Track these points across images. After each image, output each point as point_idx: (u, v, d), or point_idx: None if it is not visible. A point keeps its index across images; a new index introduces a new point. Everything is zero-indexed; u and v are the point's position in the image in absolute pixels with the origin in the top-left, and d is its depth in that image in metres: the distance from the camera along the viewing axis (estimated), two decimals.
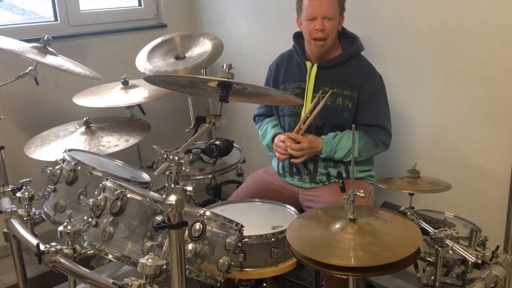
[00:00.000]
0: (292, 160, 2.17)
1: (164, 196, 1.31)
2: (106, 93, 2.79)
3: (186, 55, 2.94)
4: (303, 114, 2.20)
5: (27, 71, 2.49)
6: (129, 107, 2.83)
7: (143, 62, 2.91)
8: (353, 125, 1.56)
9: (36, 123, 2.84)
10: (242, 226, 1.61)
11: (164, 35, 3.09)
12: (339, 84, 2.18)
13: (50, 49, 2.56)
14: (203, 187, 3.19)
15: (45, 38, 2.54)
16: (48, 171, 1.92)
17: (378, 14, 2.52)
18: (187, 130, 2.41)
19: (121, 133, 2.59)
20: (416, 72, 2.43)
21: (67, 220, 1.67)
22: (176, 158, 1.31)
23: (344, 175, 2.19)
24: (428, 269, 1.77)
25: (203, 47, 2.94)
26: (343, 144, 2.14)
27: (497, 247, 1.77)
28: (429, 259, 1.81)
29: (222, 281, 1.56)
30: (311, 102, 2.19)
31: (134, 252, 1.58)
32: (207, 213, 1.57)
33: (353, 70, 2.20)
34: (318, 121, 2.19)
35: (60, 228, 1.67)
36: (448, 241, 1.66)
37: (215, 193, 3.04)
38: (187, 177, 2.51)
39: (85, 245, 1.65)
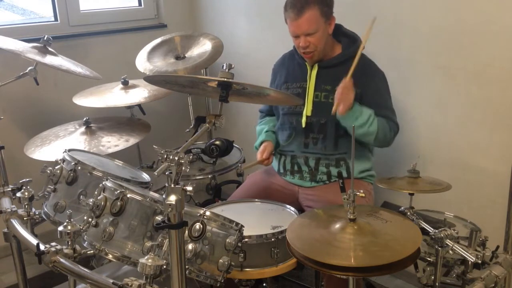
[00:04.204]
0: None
1: (164, 196, 1.31)
2: (106, 93, 2.79)
3: (186, 55, 2.94)
4: (304, 113, 2.21)
5: (27, 71, 2.49)
6: (129, 107, 2.83)
7: (143, 62, 2.91)
8: (353, 125, 1.56)
9: (36, 123, 2.85)
10: (242, 226, 1.61)
11: (164, 35, 3.09)
12: (340, 82, 2.18)
13: (50, 49, 2.56)
14: (203, 187, 3.19)
15: (45, 38, 2.54)
16: (48, 171, 1.92)
17: (378, 14, 2.51)
18: (187, 130, 2.41)
19: (121, 133, 2.59)
20: (416, 72, 2.43)
21: (67, 220, 1.67)
22: (176, 158, 1.32)
23: (345, 175, 2.19)
24: (428, 269, 1.77)
25: (203, 47, 2.94)
26: (366, 110, 2.12)
27: (497, 247, 1.77)
28: (429, 259, 1.81)
29: (222, 281, 1.56)
30: (312, 102, 2.20)
31: (134, 252, 1.58)
32: (207, 213, 1.57)
33: (355, 68, 2.20)
34: (321, 118, 2.19)
35: (60, 228, 1.67)
36: (448, 241, 1.66)
37: (215, 193, 3.04)
38: (187, 177, 2.50)
39: (85, 245, 1.65)
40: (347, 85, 2.04)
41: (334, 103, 2.05)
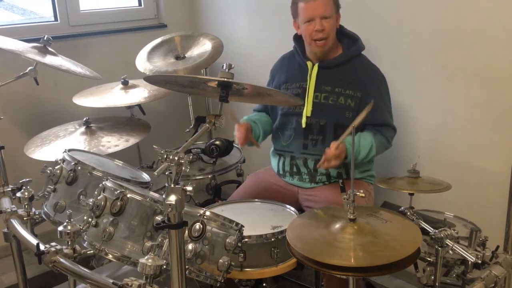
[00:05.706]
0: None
1: (164, 196, 1.32)
2: (106, 93, 2.79)
3: (186, 55, 2.95)
4: (304, 113, 2.20)
5: (27, 71, 2.50)
6: (129, 107, 2.83)
7: (143, 62, 2.91)
8: (353, 125, 1.56)
9: (36, 123, 2.85)
10: (242, 226, 1.61)
11: (164, 35, 3.09)
12: (341, 83, 2.19)
13: (50, 49, 2.57)
14: (203, 187, 3.19)
15: (45, 38, 2.54)
16: (48, 171, 1.92)
17: (378, 14, 2.52)
18: (187, 130, 2.41)
19: (121, 133, 2.59)
20: (416, 72, 2.43)
21: (67, 220, 1.68)
22: (176, 158, 1.32)
23: (344, 176, 2.19)
24: (428, 269, 1.77)
25: (203, 47, 2.94)
26: (363, 143, 2.14)
27: (497, 247, 1.77)
28: (429, 259, 1.80)
29: (222, 281, 1.56)
30: (312, 102, 2.20)
31: (134, 252, 1.58)
32: (207, 213, 1.57)
33: (356, 70, 2.21)
34: (320, 119, 2.19)
35: (60, 228, 1.67)
36: (448, 241, 1.66)
37: (215, 193, 3.04)
38: (187, 177, 2.50)
39: (85, 245, 1.65)
40: (335, 152, 2.01)
41: (322, 158, 2.05)
